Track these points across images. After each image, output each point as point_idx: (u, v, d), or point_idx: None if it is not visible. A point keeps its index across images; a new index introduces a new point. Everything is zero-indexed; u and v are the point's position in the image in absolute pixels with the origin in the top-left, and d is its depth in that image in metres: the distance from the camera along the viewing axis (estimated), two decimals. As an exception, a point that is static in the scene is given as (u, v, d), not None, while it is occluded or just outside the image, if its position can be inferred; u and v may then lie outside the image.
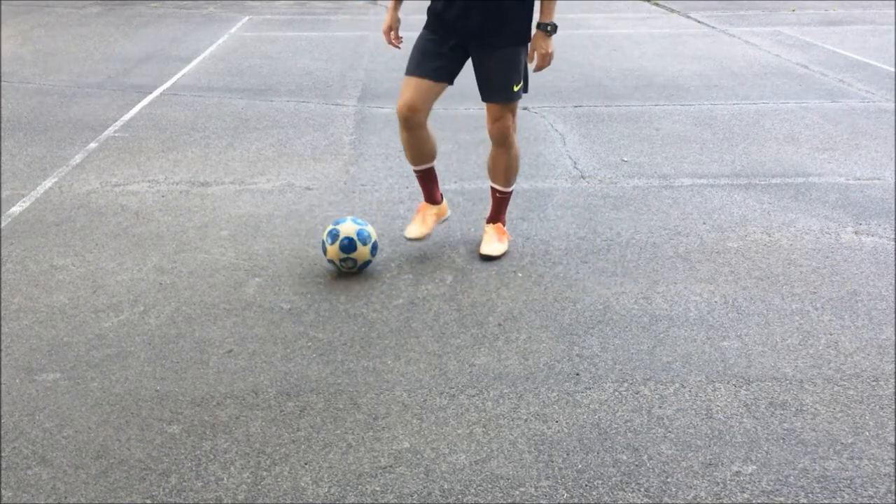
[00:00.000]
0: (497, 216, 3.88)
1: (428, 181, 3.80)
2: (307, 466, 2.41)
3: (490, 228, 3.87)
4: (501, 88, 3.51)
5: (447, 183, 4.73)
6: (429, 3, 3.56)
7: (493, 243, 3.82)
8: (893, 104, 6.55)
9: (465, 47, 3.50)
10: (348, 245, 3.52)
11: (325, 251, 3.58)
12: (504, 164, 3.71)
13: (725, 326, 3.20)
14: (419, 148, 3.63)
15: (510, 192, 3.87)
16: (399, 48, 3.73)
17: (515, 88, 3.51)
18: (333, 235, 3.54)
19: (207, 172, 4.97)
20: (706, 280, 3.58)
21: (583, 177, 4.92)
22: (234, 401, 2.72)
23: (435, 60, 3.47)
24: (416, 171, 3.78)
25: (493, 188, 3.84)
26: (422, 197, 3.87)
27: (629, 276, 3.63)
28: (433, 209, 3.84)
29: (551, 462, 2.43)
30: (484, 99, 3.60)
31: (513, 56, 3.48)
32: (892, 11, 11.77)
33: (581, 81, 7.39)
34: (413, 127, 3.53)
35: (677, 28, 10.69)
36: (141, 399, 2.73)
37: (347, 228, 3.54)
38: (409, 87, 3.48)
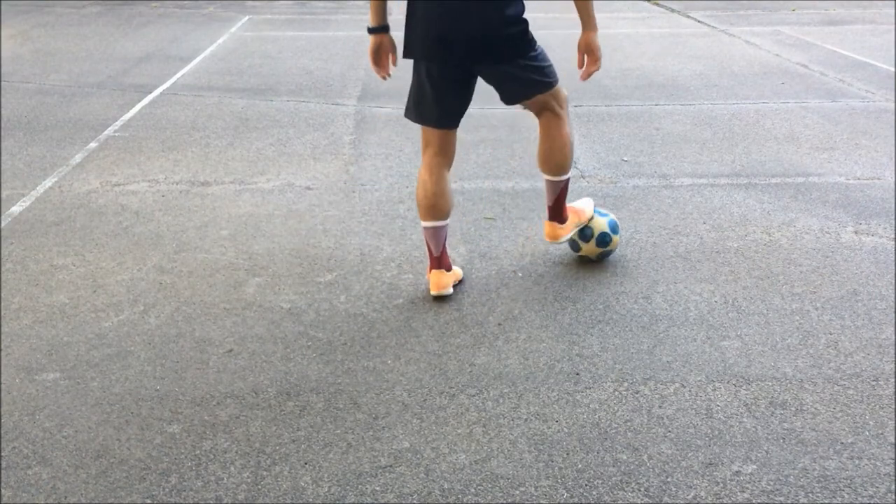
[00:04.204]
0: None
1: None
2: (307, 466, 2.41)
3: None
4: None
5: (447, 183, 4.74)
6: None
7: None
8: (893, 104, 6.55)
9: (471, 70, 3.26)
10: (604, 239, 3.67)
11: (577, 249, 3.70)
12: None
13: (725, 326, 3.20)
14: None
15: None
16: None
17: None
18: (585, 233, 3.65)
19: (207, 172, 4.97)
20: (706, 280, 3.58)
21: (583, 176, 4.92)
22: (234, 400, 2.72)
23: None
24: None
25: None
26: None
27: (629, 275, 3.63)
28: None
29: (551, 462, 2.43)
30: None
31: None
32: (892, 11, 11.77)
33: (581, 81, 7.38)
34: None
35: (677, 28, 10.69)
36: (141, 399, 2.73)
37: (599, 223, 3.64)
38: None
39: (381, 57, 3.34)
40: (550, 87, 3.33)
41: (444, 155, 3.35)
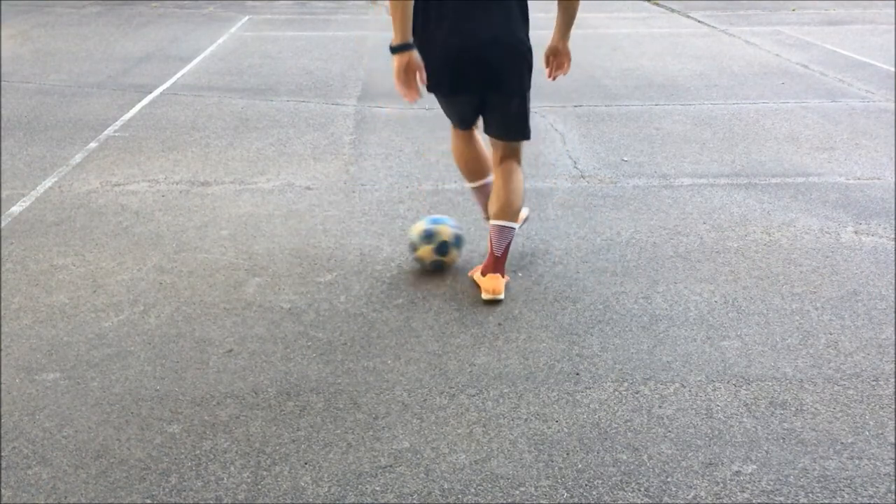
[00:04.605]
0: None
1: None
2: (307, 466, 2.41)
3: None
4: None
5: (447, 182, 4.73)
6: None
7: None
8: (893, 104, 6.55)
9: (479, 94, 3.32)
10: (442, 248, 3.53)
11: (415, 249, 3.58)
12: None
13: (725, 326, 3.20)
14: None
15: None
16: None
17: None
18: (429, 236, 3.53)
19: (207, 172, 4.97)
20: (706, 280, 3.58)
21: (583, 176, 4.92)
22: (234, 400, 2.72)
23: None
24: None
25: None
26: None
27: (629, 275, 3.63)
28: None
29: (551, 462, 2.43)
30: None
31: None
32: (892, 11, 11.78)
33: (581, 81, 7.39)
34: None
35: (677, 28, 10.69)
36: (141, 399, 2.73)
37: (445, 231, 3.53)
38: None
39: (409, 76, 3.04)
40: (526, 138, 3.41)
41: (472, 128, 3.56)
